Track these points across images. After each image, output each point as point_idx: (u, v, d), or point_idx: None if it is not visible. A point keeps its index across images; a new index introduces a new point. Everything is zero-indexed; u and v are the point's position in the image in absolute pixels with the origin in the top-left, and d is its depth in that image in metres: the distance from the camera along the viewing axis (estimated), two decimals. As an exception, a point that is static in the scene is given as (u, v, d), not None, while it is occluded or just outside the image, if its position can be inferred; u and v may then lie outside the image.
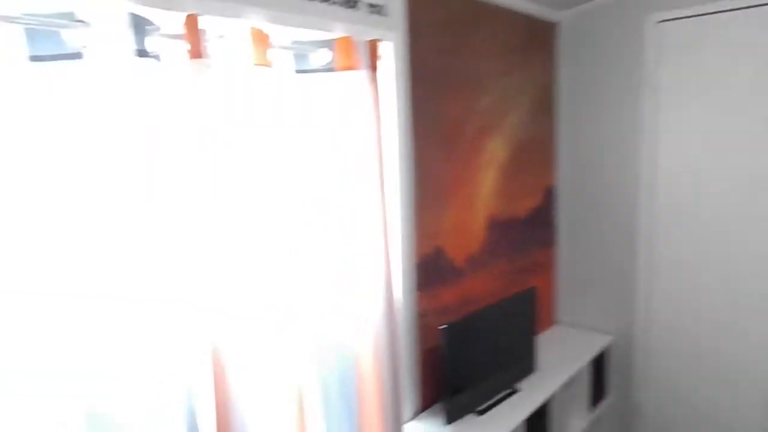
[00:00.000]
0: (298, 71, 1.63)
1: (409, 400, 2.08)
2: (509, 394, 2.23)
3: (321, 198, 1.70)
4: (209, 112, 1.32)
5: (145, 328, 1.26)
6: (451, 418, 2.01)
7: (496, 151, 2.43)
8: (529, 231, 2.72)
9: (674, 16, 2.39)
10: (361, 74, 1.68)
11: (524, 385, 2.31)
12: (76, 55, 1.16)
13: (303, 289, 1.61)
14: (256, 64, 1.42)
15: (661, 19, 2.43)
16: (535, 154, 2.72)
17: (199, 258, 1.34)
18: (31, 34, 1.14)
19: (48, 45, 1.15)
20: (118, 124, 1.20)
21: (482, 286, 2.42)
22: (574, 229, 2.87)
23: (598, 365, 2.71)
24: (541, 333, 2.88)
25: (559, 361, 2.52)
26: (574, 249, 2.89)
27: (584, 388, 2.59)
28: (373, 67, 1.72)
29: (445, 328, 1.94)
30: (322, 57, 1.64)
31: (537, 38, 2.64)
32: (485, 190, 2.39)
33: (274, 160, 1.49)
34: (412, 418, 2.09)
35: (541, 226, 2.83)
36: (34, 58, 1.15)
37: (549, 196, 2.85)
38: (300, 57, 1.64)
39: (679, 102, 2.42)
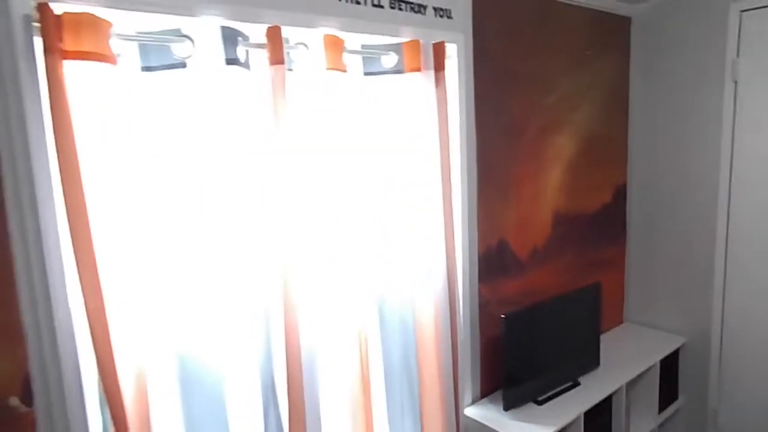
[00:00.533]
0: (366, 74, 1.77)
1: (470, 385, 2.17)
2: (570, 387, 2.26)
3: (389, 188, 1.83)
4: (289, 111, 1.49)
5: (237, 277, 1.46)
6: (509, 405, 2.08)
7: (562, 147, 2.45)
8: (597, 227, 2.71)
9: (758, 5, 2.30)
10: (428, 75, 1.79)
11: (587, 379, 2.33)
12: (181, 65, 1.37)
13: (374, 263, 1.77)
14: (329, 68, 1.57)
15: (744, 8, 2.35)
16: (605, 150, 2.70)
17: (291, 225, 1.51)
18: (144, 49, 1.35)
19: (157, 57, 1.36)
20: (215, 123, 1.40)
21: (546, 280, 2.45)
22: (646, 227, 2.82)
23: (669, 367, 2.65)
24: (609, 331, 2.87)
25: (625, 359, 2.50)
26: (646, 247, 2.83)
27: (653, 390, 2.54)
28: (440, 68, 1.82)
29: (505, 317, 2.02)
30: (390, 60, 1.76)
31: (608, 34, 2.63)
32: (551, 185, 2.42)
33: (349, 152, 1.64)
34: (472, 404, 2.18)
35: (611, 223, 2.81)
36: (145, 69, 1.36)
37: (619, 193, 2.82)
38: (369, 60, 1.78)
39: (763, 95, 2.32)
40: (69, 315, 1.22)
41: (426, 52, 1.78)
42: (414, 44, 1.76)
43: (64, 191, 1.14)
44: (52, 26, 1.12)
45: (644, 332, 2.83)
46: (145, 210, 1.32)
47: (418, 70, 1.77)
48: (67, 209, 1.15)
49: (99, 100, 1.21)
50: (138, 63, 1.35)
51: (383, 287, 1.90)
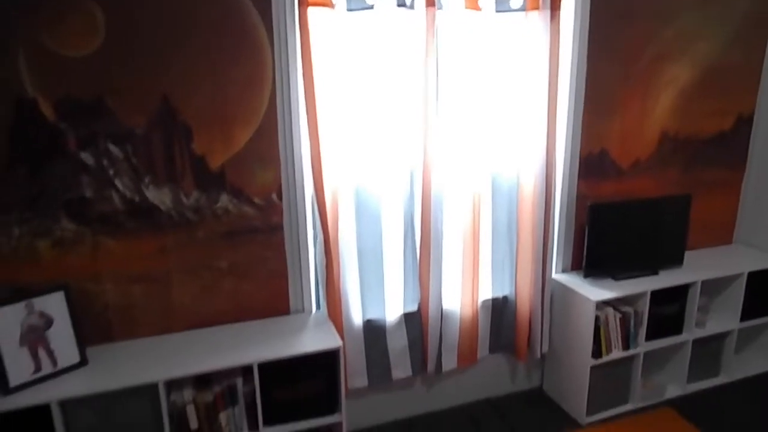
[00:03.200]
0: (498, 11, 2.40)
1: (561, 259, 2.83)
2: (648, 274, 2.78)
3: (508, 97, 2.50)
4: (438, 40, 2.24)
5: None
6: (589, 274, 2.71)
7: (678, 75, 2.80)
8: (710, 151, 3.01)
9: None
10: (545, 13, 2.37)
11: (666, 272, 2.81)
12: (370, 7, 2.19)
13: (491, 145, 2.50)
14: (467, 8, 2.26)
15: None
16: (731, 80, 2.93)
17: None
18: (350, -3, 2.19)
19: (356, 3, 2.19)
20: (393, 49, 2.22)
21: (646, 188, 2.91)
22: None
23: (763, 284, 2.93)
24: (714, 247, 3.20)
25: (713, 265, 2.89)
26: (766, 175, 3.05)
27: (737, 299, 2.89)
28: (555, 7, 2.38)
29: (591, 205, 2.60)
30: (516, 0, 2.37)
31: (751, -33, 2.79)
32: (660, 107, 2.81)
33: (479, 71, 2.36)
34: (560, 273, 2.84)
35: (727, 148, 3.06)
36: (349, 10, 2.20)
37: (742, 120, 3.04)
38: (500, 1, 2.40)
39: None
40: (301, 153, 2.20)
41: (545, -8, 2.35)
42: (536, -14, 2.34)
43: (305, 86, 2.08)
44: (304, -12, 2.02)
45: (749, 252, 3.11)
46: (346, 97, 2.22)
47: (537, 8, 2.36)
48: (305, 94, 2.09)
49: (325, 31, 2.10)
50: (344, 6, 2.20)
51: (498, 164, 2.59)
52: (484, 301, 2.72)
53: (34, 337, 1.87)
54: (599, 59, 2.60)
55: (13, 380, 1.81)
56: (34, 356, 1.87)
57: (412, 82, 2.28)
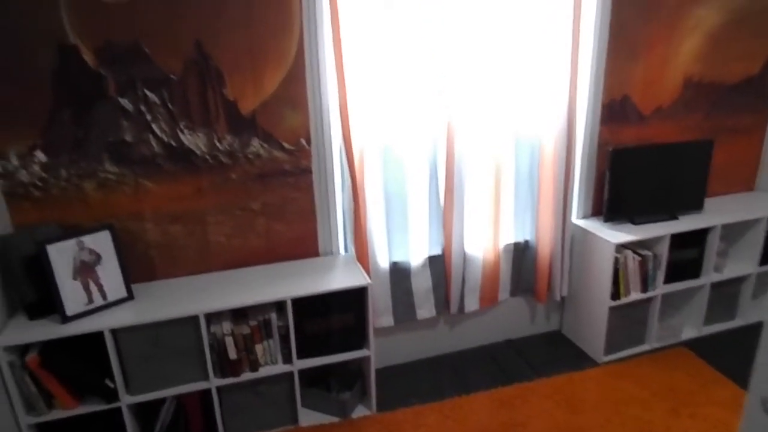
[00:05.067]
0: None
1: (582, 204, 2.88)
2: (668, 219, 2.82)
3: (529, 45, 2.52)
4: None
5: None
6: (608, 218, 2.76)
7: (704, 18, 2.77)
8: (737, 95, 2.99)
9: None
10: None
11: (686, 217, 2.85)
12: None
13: (508, 94, 2.54)
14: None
15: None
16: (759, 22, 2.89)
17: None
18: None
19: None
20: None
21: (669, 134, 2.92)
22: (793, 100, 2.99)
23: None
24: (735, 193, 3.22)
25: (733, 211, 2.92)
26: (791, 120, 3.03)
27: (757, 244, 2.92)
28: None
29: (612, 150, 2.63)
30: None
31: None
32: (684, 52, 2.79)
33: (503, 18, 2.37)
34: (582, 219, 2.90)
35: (755, 93, 3.04)
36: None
37: (771, 65, 3.01)
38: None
39: None
40: (328, 99, 2.27)
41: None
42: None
43: (332, 32, 2.13)
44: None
45: (770, 198, 3.13)
46: (373, 43, 2.26)
47: (562, -51, 2.34)
48: (333, 40, 2.14)
49: (350, -25, 2.13)
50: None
51: (521, 114, 2.63)
52: (506, 246, 2.80)
53: (85, 271, 2.01)
54: (624, 2, 2.59)
55: (70, 310, 1.96)
56: (86, 289, 2.01)
57: (433, 35, 2.31)
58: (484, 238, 2.69)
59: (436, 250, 2.65)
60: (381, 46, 2.28)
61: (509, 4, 2.40)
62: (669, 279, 2.79)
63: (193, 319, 2.06)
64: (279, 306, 2.24)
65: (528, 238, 2.83)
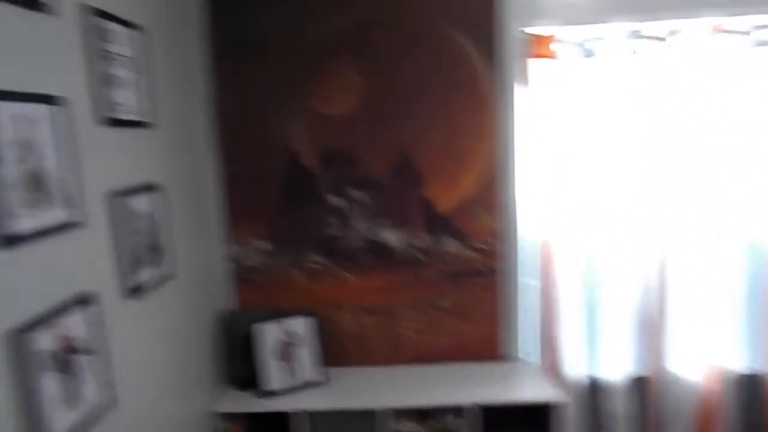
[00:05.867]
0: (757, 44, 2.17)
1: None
2: None
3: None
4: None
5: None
6: None
7: None
8: None
9: None
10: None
11: None
12: (591, 54, 2.18)
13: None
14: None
15: None
16: None
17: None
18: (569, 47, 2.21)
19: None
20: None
21: None
22: None
23: None
24: None
25: None
26: None
27: None
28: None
29: None
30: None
31: None
32: None
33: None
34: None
35: None
36: (574, 58, 2.22)
37: None
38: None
39: None
40: (517, 201, 2.25)
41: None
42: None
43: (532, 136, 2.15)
44: (532, 41, 2.12)
45: None
46: (572, 149, 2.22)
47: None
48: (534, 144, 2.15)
49: (548, 80, 2.16)
50: (568, 56, 2.23)
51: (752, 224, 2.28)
52: (731, 374, 2.34)
53: (287, 352, 2.20)
54: None
55: (271, 386, 2.14)
56: (286, 369, 2.19)
57: (644, 131, 2.18)
58: (699, 363, 2.29)
59: (639, 371, 2.33)
60: (581, 144, 2.23)
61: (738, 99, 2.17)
62: None
63: (380, 413, 2.08)
64: (455, 409, 2.16)
65: (759, 367, 2.33)
